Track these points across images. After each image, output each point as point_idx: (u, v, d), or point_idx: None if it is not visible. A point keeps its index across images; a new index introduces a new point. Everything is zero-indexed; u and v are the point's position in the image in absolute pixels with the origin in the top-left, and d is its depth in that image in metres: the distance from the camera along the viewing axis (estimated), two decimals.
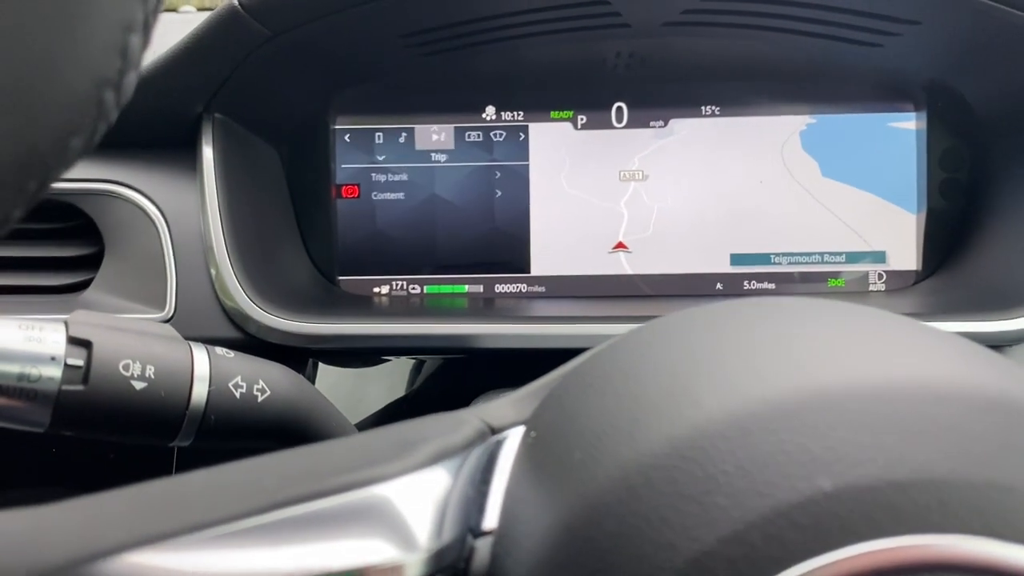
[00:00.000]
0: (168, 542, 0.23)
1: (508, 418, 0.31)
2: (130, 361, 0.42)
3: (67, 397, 0.40)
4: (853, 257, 0.74)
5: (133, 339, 0.43)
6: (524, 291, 0.75)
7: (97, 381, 0.41)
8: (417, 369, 1.01)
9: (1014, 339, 0.61)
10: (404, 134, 0.74)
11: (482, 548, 0.27)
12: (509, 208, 0.74)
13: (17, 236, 0.63)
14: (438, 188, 0.74)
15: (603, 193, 0.74)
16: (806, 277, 0.74)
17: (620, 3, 0.65)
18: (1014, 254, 0.67)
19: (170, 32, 0.60)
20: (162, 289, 0.62)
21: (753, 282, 0.74)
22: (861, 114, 0.73)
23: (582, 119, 0.74)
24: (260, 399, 0.46)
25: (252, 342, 0.62)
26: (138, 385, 0.42)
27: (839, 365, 0.25)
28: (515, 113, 0.74)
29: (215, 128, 0.64)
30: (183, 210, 0.64)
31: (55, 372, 0.40)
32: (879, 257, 0.74)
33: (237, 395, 0.45)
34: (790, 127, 0.73)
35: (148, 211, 0.63)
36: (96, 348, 0.41)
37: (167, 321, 0.62)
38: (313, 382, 0.73)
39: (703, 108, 0.74)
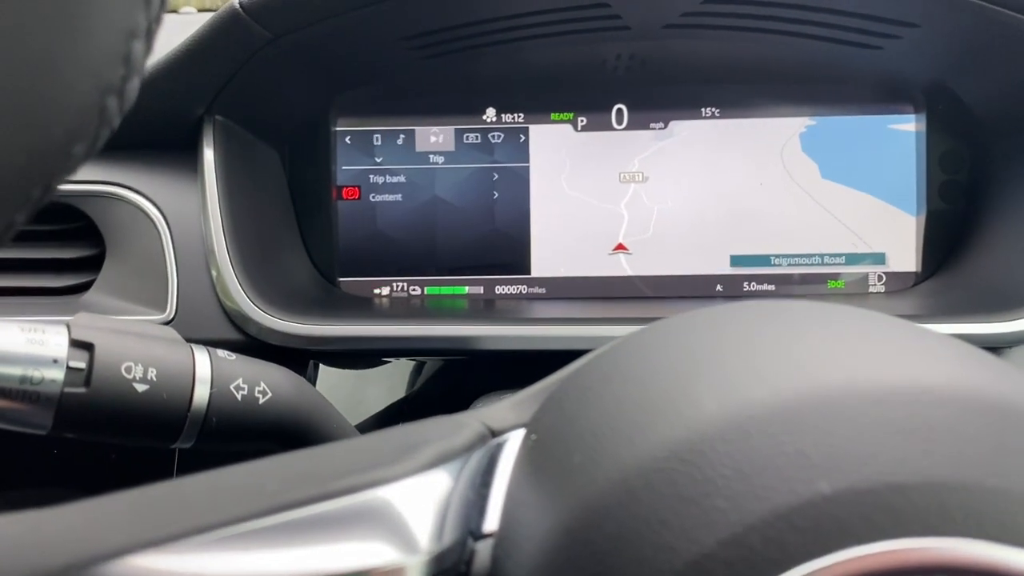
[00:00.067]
0: (170, 545, 0.23)
1: (508, 421, 0.31)
2: (132, 363, 0.42)
3: (69, 399, 0.40)
4: (853, 259, 0.74)
5: (135, 341, 0.43)
6: (524, 292, 0.75)
7: (99, 383, 0.41)
8: (417, 370, 1.01)
9: (1013, 341, 0.61)
10: (405, 136, 0.74)
11: (483, 551, 0.27)
12: (509, 209, 0.74)
13: (18, 238, 0.63)
14: (439, 190, 0.75)
15: (603, 195, 0.74)
16: (806, 279, 0.74)
17: (620, 5, 0.65)
18: (1013, 256, 0.67)
19: (171, 33, 0.60)
20: (163, 291, 0.62)
21: (753, 283, 0.74)
22: (861, 116, 0.73)
23: (582, 121, 0.74)
24: (261, 401, 0.46)
25: (253, 343, 0.62)
26: (140, 387, 0.42)
27: (838, 368, 0.25)
28: (515, 115, 0.74)
29: (216, 130, 0.65)
30: (184, 212, 0.64)
31: (57, 375, 0.40)
32: (879, 259, 0.74)
33: (238, 397, 0.45)
34: (790, 129, 0.73)
35: (149, 213, 0.64)
36: (98, 350, 0.41)
37: (168, 323, 0.62)
38: (314, 383, 0.73)
39: (703, 110, 0.74)
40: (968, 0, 0.60)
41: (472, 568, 0.27)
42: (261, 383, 0.47)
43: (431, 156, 0.75)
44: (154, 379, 0.43)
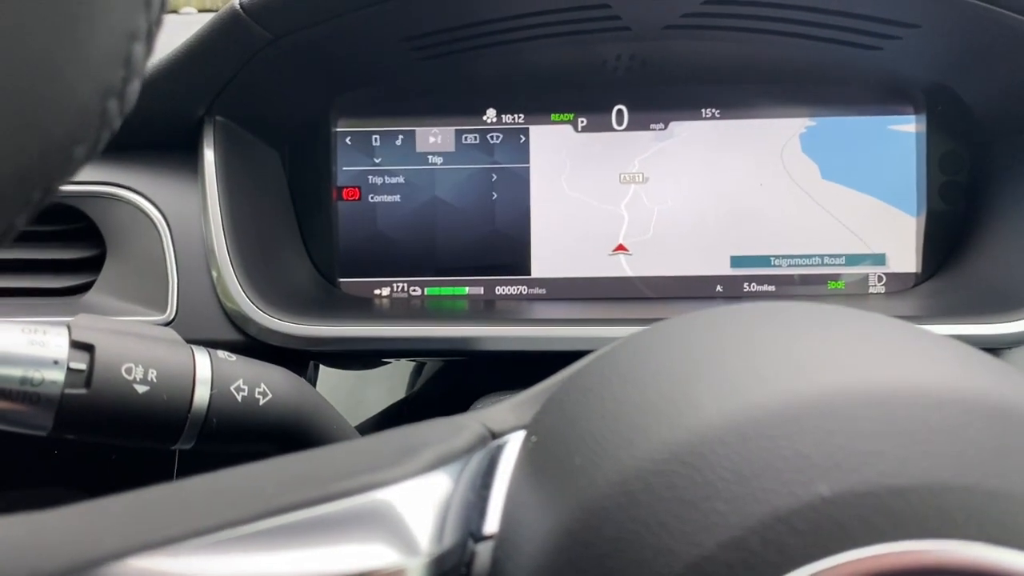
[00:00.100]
0: (170, 547, 0.23)
1: (509, 422, 0.31)
2: (132, 365, 0.42)
3: (70, 401, 0.40)
4: (853, 259, 0.74)
5: (135, 343, 0.43)
6: (525, 293, 0.75)
7: (100, 385, 0.41)
8: (417, 371, 1.01)
9: (1014, 342, 0.61)
10: (405, 137, 0.74)
11: (483, 552, 0.27)
12: (510, 210, 0.75)
13: (19, 238, 0.63)
14: (439, 190, 0.75)
15: (603, 195, 0.74)
16: (806, 279, 0.74)
17: (620, 6, 0.65)
18: (1014, 257, 0.67)
19: (171, 34, 0.60)
20: (163, 291, 0.62)
21: (753, 284, 0.74)
22: (861, 117, 0.73)
23: (582, 121, 0.74)
24: (262, 402, 0.46)
25: (253, 344, 0.62)
26: (140, 389, 0.42)
27: (838, 370, 0.25)
28: (516, 116, 0.74)
29: (216, 131, 0.65)
30: (184, 213, 0.64)
31: (58, 376, 0.40)
32: (879, 259, 0.74)
33: (239, 398, 0.45)
34: (790, 130, 0.73)
35: (150, 213, 0.64)
36: (98, 352, 0.41)
37: (168, 323, 0.62)
38: (314, 384, 0.73)
39: (703, 111, 0.74)
40: (968, 1, 0.60)
41: (472, 570, 0.27)
42: (261, 384, 0.47)
43: (431, 157, 0.75)
44: (154, 380, 0.43)
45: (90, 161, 0.21)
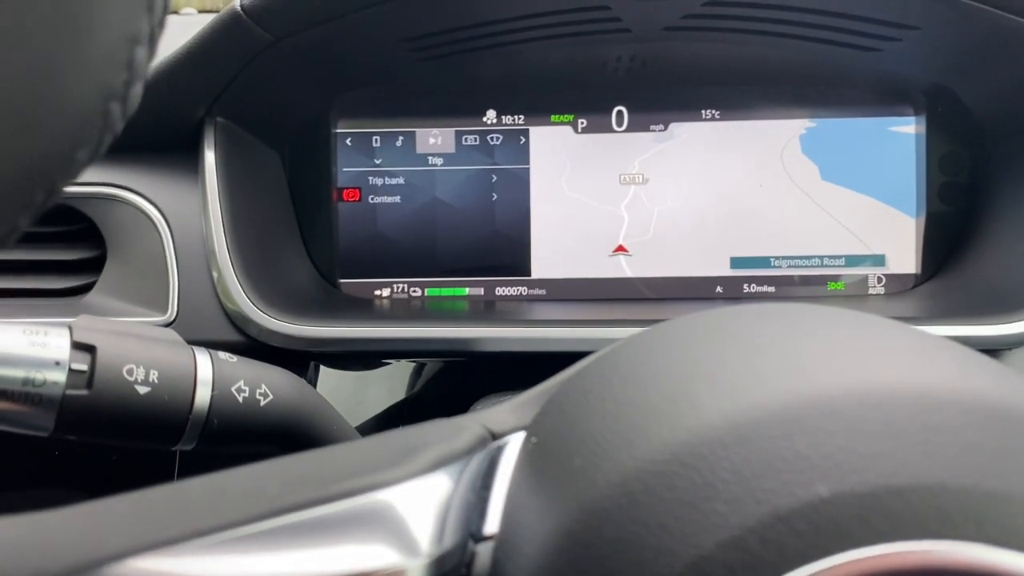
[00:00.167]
0: (171, 548, 0.23)
1: (509, 424, 0.31)
2: (134, 366, 0.42)
3: (71, 402, 0.40)
4: (852, 260, 0.74)
5: (136, 344, 0.43)
6: (525, 294, 0.75)
7: (101, 386, 0.41)
8: (417, 372, 1.01)
9: (1013, 343, 0.61)
10: (405, 138, 0.75)
11: (483, 553, 0.27)
12: (510, 211, 0.75)
13: (20, 239, 0.63)
14: (439, 191, 0.75)
15: (603, 196, 0.74)
16: (806, 280, 0.74)
17: (621, 8, 0.65)
18: (1013, 258, 0.67)
19: (172, 34, 0.60)
20: (164, 292, 0.63)
21: (753, 285, 0.74)
22: (861, 118, 0.73)
23: (582, 123, 0.74)
24: (262, 403, 0.46)
25: (253, 345, 0.62)
26: (142, 390, 0.42)
27: (837, 371, 0.25)
28: (516, 117, 0.74)
29: (217, 132, 0.65)
30: (185, 213, 0.64)
31: (59, 377, 0.40)
32: (878, 260, 0.74)
33: (240, 399, 0.46)
34: (790, 131, 0.73)
35: (150, 214, 0.64)
36: (100, 353, 0.41)
37: (169, 324, 0.62)
38: (314, 385, 0.73)
39: (703, 112, 0.74)
40: (968, 3, 0.60)
41: (472, 571, 0.27)
42: (262, 385, 0.47)
43: (431, 158, 0.75)
44: (156, 381, 0.43)
45: (92, 164, 0.21)
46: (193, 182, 0.64)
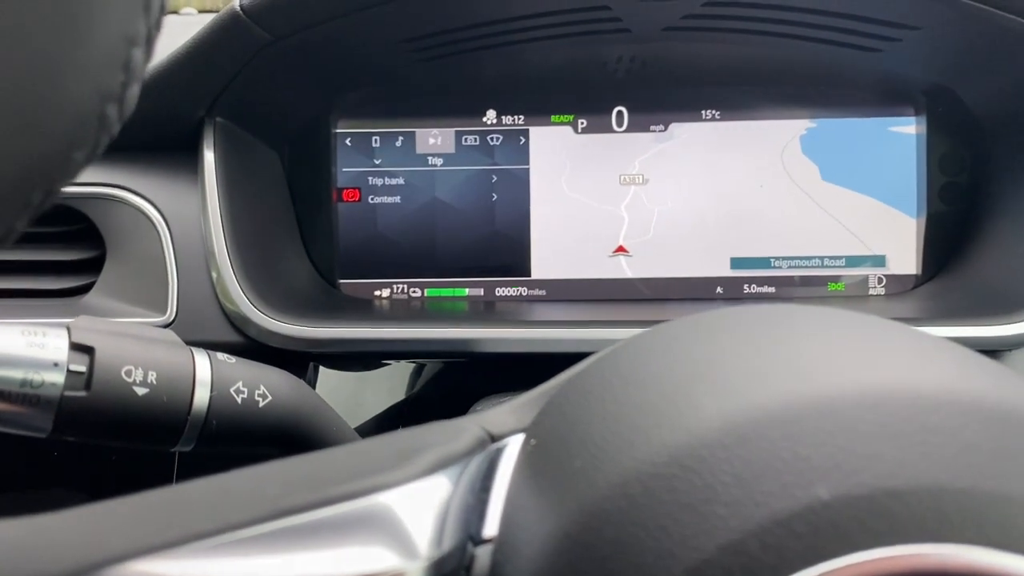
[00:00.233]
0: (171, 551, 0.23)
1: (508, 425, 0.31)
2: (132, 367, 0.42)
3: (69, 403, 0.40)
4: (853, 261, 0.74)
5: (135, 344, 0.43)
6: (525, 295, 0.75)
7: (99, 387, 0.41)
8: (417, 373, 1.01)
9: (1014, 343, 0.61)
10: (405, 138, 0.75)
11: (482, 556, 0.27)
12: (510, 212, 0.75)
13: (19, 240, 0.63)
14: (439, 192, 0.75)
15: (603, 197, 0.74)
16: (806, 281, 0.74)
17: (621, 8, 0.65)
18: (1014, 258, 0.67)
19: (171, 34, 0.60)
20: (163, 293, 0.62)
21: (753, 286, 0.74)
22: (861, 118, 0.73)
23: (583, 123, 0.74)
24: (261, 404, 0.46)
25: (253, 346, 0.62)
26: (140, 391, 0.42)
27: (837, 373, 0.25)
28: (516, 117, 0.74)
29: (216, 132, 0.65)
30: (184, 214, 0.64)
31: (57, 378, 0.40)
32: (879, 261, 0.74)
33: (239, 400, 0.45)
34: (790, 131, 0.73)
35: (150, 215, 0.64)
36: (98, 354, 0.41)
37: (168, 325, 0.62)
38: (314, 386, 0.73)
39: (703, 112, 0.74)
40: (968, 3, 0.60)
41: (472, 573, 0.27)
42: (261, 386, 0.47)
43: (431, 158, 0.75)
44: (154, 382, 0.43)
45: (90, 165, 0.21)
46: (192, 182, 0.64)
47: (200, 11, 1.12)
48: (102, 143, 0.20)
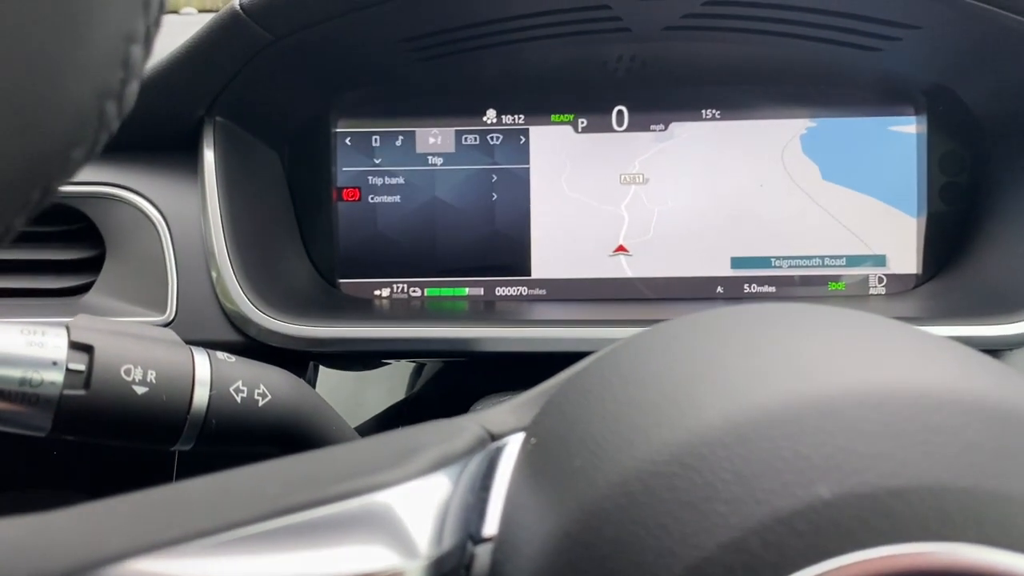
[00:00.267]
0: (171, 549, 0.23)
1: (508, 424, 0.31)
2: (132, 366, 0.42)
3: (68, 402, 0.40)
4: (853, 261, 0.74)
5: (134, 343, 0.43)
6: (525, 294, 0.75)
7: (99, 386, 0.41)
8: (417, 372, 1.01)
9: (1014, 343, 0.61)
10: (404, 137, 0.74)
11: (482, 555, 0.27)
12: (510, 211, 0.74)
13: (19, 239, 0.63)
14: (439, 191, 0.75)
15: (604, 196, 0.74)
16: (806, 280, 0.74)
17: (621, 7, 0.65)
18: (1014, 258, 0.67)
19: (171, 34, 0.60)
20: (163, 292, 0.62)
21: (753, 285, 0.74)
22: (861, 118, 0.73)
23: (583, 122, 0.74)
24: (261, 403, 0.46)
25: (253, 345, 0.62)
26: (139, 390, 0.42)
27: (838, 372, 0.25)
28: (516, 116, 0.74)
29: (216, 131, 0.65)
30: (184, 213, 0.64)
31: (57, 377, 0.40)
32: (879, 261, 0.74)
33: (238, 399, 0.45)
34: (791, 131, 0.73)
35: (149, 214, 0.64)
36: (97, 353, 0.41)
37: (168, 324, 0.62)
38: (314, 385, 0.73)
39: (704, 112, 0.74)
40: (969, 2, 0.60)
41: (472, 572, 0.27)
42: (260, 385, 0.47)
43: (431, 157, 0.75)
44: (153, 381, 0.43)
45: (88, 162, 0.21)
46: (192, 182, 0.64)
47: (200, 11, 1.12)
48: (101, 140, 0.20)
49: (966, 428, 0.23)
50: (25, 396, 0.39)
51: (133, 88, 0.20)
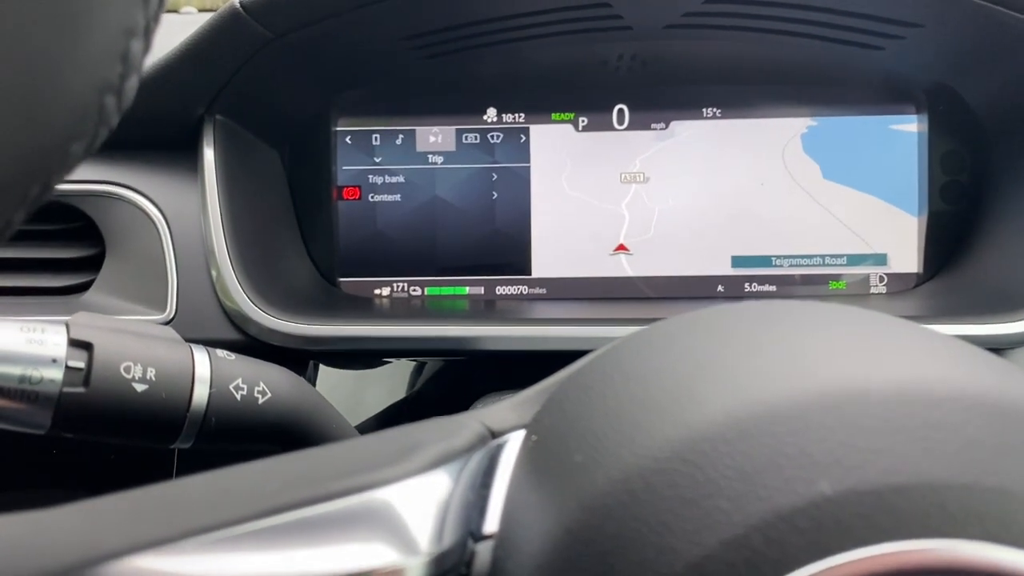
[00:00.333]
0: (170, 546, 0.23)
1: (509, 422, 0.31)
2: (131, 363, 0.42)
3: (68, 399, 0.40)
4: (854, 259, 0.74)
5: (134, 341, 0.43)
6: (525, 293, 0.75)
7: (98, 383, 0.41)
8: (418, 371, 1.01)
9: (1015, 342, 0.61)
10: (405, 136, 0.74)
11: (483, 552, 0.27)
12: (510, 210, 0.74)
13: (18, 237, 0.63)
14: (439, 190, 0.74)
15: (604, 195, 0.74)
16: (807, 279, 0.74)
17: (622, 6, 0.65)
18: (1015, 257, 0.67)
19: (171, 33, 0.60)
20: (163, 291, 0.62)
21: (754, 284, 0.74)
22: (862, 116, 0.73)
23: (583, 121, 0.74)
24: (261, 401, 0.46)
25: (253, 344, 0.62)
26: (139, 387, 0.42)
27: (839, 368, 0.25)
28: (516, 115, 0.74)
29: (216, 130, 0.65)
30: (184, 212, 0.64)
31: (56, 374, 0.40)
32: (880, 260, 0.74)
33: (238, 397, 0.45)
34: (791, 129, 0.73)
35: (149, 213, 0.64)
36: (97, 350, 0.41)
37: (168, 323, 0.62)
38: (314, 384, 0.73)
39: (704, 110, 0.74)
40: (970, 1, 0.59)
41: (472, 569, 0.27)
42: (260, 383, 0.46)
43: (431, 156, 0.74)
44: (153, 379, 0.43)
45: (88, 158, 0.20)
46: (192, 180, 0.64)
47: (200, 10, 1.12)
48: (100, 135, 0.20)
49: (967, 424, 0.23)
50: (24, 393, 0.39)
51: (133, 83, 0.20)
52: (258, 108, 0.68)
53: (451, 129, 0.74)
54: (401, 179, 0.75)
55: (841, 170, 0.73)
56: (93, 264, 0.64)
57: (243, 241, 0.63)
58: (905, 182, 0.73)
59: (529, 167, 0.74)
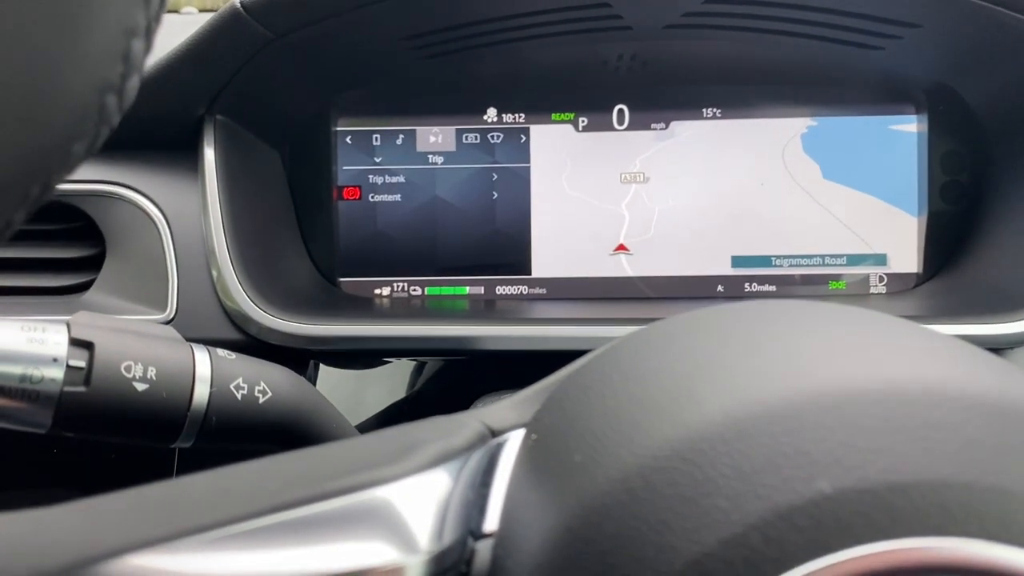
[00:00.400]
0: (170, 544, 0.23)
1: (508, 421, 0.31)
2: (132, 363, 0.42)
3: (69, 398, 0.40)
4: (854, 259, 0.74)
5: (135, 340, 0.43)
6: (525, 293, 0.75)
7: (99, 382, 0.41)
8: (418, 371, 1.01)
9: (1015, 342, 0.61)
10: (405, 136, 0.74)
11: (483, 550, 0.27)
12: (510, 210, 0.74)
13: (19, 237, 0.63)
14: (439, 190, 0.75)
15: (604, 195, 0.74)
16: (807, 279, 0.74)
17: (622, 6, 0.65)
18: (1015, 257, 0.67)
19: (172, 33, 0.60)
20: (163, 290, 0.62)
21: (754, 284, 0.74)
22: (862, 117, 0.73)
23: (583, 121, 0.74)
24: (261, 401, 0.46)
25: (253, 343, 0.62)
26: (140, 387, 0.42)
27: (838, 368, 0.25)
28: (516, 115, 0.74)
29: (217, 130, 0.65)
30: (185, 211, 0.64)
31: (57, 373, 0.40)
32: (880, 260, 0.74)
33: (238, 397, 0.45)
34: (791, 129, 0.73)
35: (150, 212, 0.64)
36: (98, 349, 0.41)
37: (168, 322, 0.62)
38: (314, 383, 0.73)
39: (704, 110, 0.74)
40: (970, 1, 0.59)
41: (472, 568, 0.27)
42: (261, 382, 0.46)
43: (432, 156, 0.74)
44: (154, 378, 0.43)
45: (89, 157, 0.20)
46: (193, 180, 0.64)
47: (201, 10, 1.12)
48: (101, 135, 0.20)
49: (966, 424, 0.23)
50: (25, 393, 0.39)
51: (134, 82, 0.20)
52: (258, 108, 0.68)
53: (451, 129, 0.74)
54: (401, 179, 0.75)
55: (841, 170, 0.73)
56: (94, 264, 0.64)
57: (243, 241, 0.64)
58: (905, 182, 0.73)
59: (529, 167, 0.74)
